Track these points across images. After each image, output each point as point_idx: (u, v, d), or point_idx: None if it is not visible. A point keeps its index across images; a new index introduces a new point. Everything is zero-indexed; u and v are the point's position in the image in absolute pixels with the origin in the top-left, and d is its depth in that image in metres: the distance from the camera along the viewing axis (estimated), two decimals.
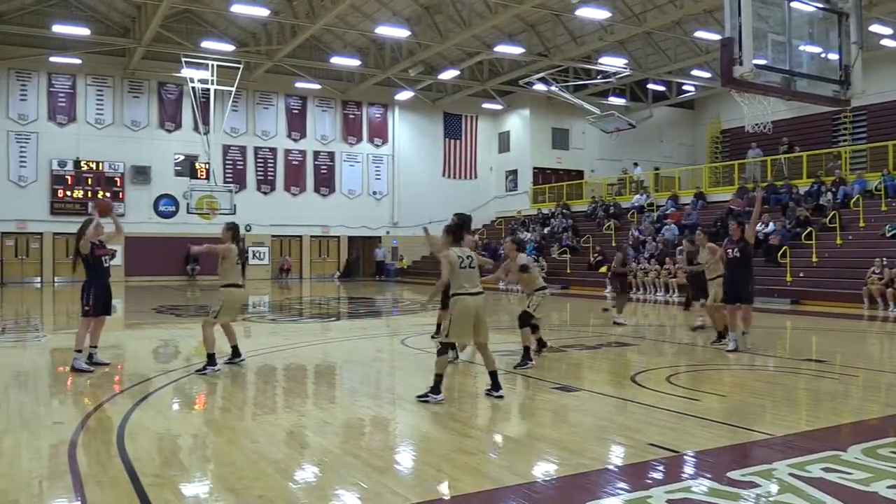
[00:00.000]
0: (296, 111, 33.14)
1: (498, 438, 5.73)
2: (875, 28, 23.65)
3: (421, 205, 33.35)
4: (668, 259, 22.25)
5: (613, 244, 26.18)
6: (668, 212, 26.65)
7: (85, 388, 7.52)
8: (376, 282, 32.85)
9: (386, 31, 25.86)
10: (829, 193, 22.21)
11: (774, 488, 4.18)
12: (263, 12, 24.40)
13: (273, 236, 32.87)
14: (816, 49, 8.67)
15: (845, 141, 28.30)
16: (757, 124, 9.30)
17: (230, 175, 31.41)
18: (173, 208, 30.50)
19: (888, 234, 18.85)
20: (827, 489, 4.12)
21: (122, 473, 4.57)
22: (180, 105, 30.68)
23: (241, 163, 32.02)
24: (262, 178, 32.40)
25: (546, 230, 30.87)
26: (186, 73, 28.81)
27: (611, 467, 4.78)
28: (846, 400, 7.08)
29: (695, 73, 30.64)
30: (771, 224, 21.31)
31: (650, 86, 33.25)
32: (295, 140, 33.13)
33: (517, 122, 36.31)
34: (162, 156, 30.38)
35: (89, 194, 28.14)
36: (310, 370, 9.07)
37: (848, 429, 5.80)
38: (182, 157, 30.56)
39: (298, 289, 27.49)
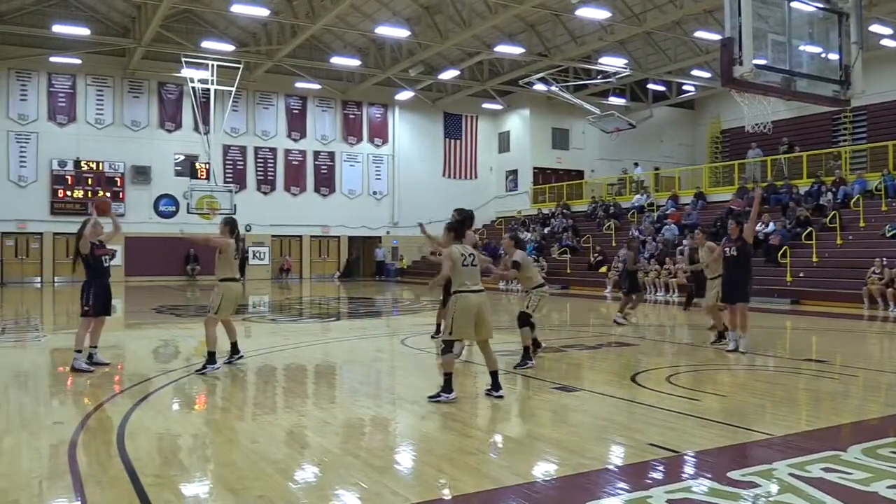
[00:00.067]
0: (296, 111, 33.14)
1: (498, 438, 5.73)
2: (875, 28, 23.65)
3: (421, 205, 33.32)
4: (668, 259, 22.25)
5: (613, 244, 26.19)
6: (668, 212, 26.66)
7: (85, 388, 7.52)
8: (376, 282, 32.85)
9: (386, 31, 25.86)
10: (829, 193, 22.21)
11: (774, 488, 4.18)
12: (263, 12, 24.40)
13: (273, 236, 32.87)
14: (816, 49, 8.67)
15: (845, 141, 28.30)
16: (757, 124, 9.30)
17: (230, 175, 31.41)
18: (173, 208, 30.50)
19: (888, 234, 18.85)
20: (827, 489, 4.12)
21: (122, 473, 4.57)
22: (180, 105, 30.68)
23: (242, 163, 32.03)
24: (262, 178, 32.40)
25: (546, 230, 30.87)
26: (186, 73, 28.82)
27: (611, 467, 4.78)
28: (846, 400, 7.08)
29: (695, 73, 30.64)
30: (771, 224, 21.32)
31: (650, 86, 33.25)
32: (295, 140, 33.14)
33: (517, 122, 36.31)
34: (162, 156, 30.38)
35: (89, 194, 28.10)
36: (310, 370, 9.07)
37: (848, 429, 5.80)
38: (182, 157, 30.55)
39: (298, 289, 27.49)
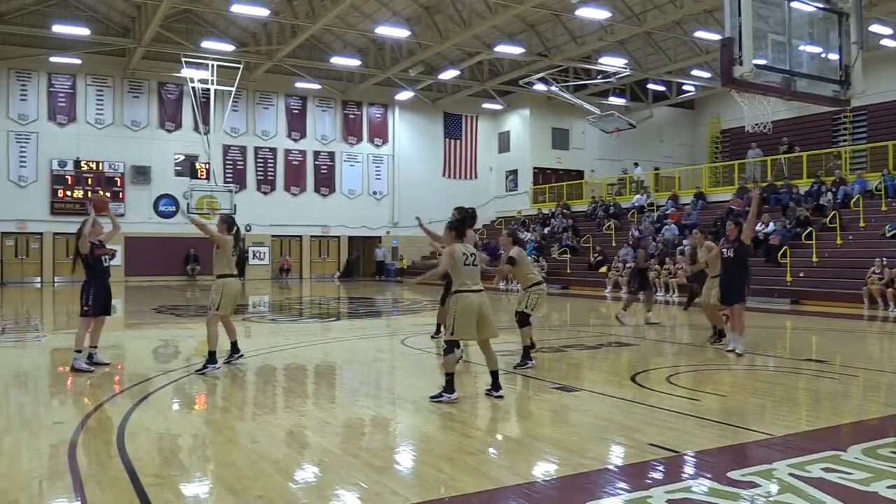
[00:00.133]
0: (296, 111, 33.15)
1: (498, 438, 5.73)
2: (875, 28, 23.65)
3: (421, 205, 33.16)
4: (668, 259, 22.25)
5: (613, 244, 26.21)
6: (668, 212, 26.67)
7: (85, 388, 7.52)
8: (376, 282, 32.86)
9: (386, 31, 25.86)
10: (829, 193, 22.21)
11: (774, 488, 4.18)
12: (263, 12, 24.40)
13: (273, 236, 32.87)
14: (816, 49, 8.67)
15: (845, 141, 28.31)
16: (757, 124, 9.30)
17: (230, 175, 31.41)
18: (173, 208, 30.50)
19: (888, 234, 18.85)
20: (827, 489, 4.12)
21: (122, 473, 4.57)
22: (180, 105, 30.69)
23: (242, 163, 32.03)
24: (262, 178, 32.41)
25: (546, 230, 30.87)
26: (186, 73, 28.83)
27: (611, 467, 4.78)
28: (846, 400, 7.08)
29: (695, 73, 30.65)
30: (771, 224, 21.32)
31: (650, 86, 33.26)
32: (295, 140, 33.14)
33: (517, 122, 36.31)
34: (162, 156, 30.38)
35: (89, 194, 28.09)
36: (310, 370, 9.07)
37: (848, 429, 5.80)
38: (182, 157, 30.55)
39: (298, 289, 27.49)
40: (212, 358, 8.16)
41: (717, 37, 20.95)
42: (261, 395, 7.47)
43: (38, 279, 28.74)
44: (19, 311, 17.56)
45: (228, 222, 8.61)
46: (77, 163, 28.80)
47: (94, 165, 29.05)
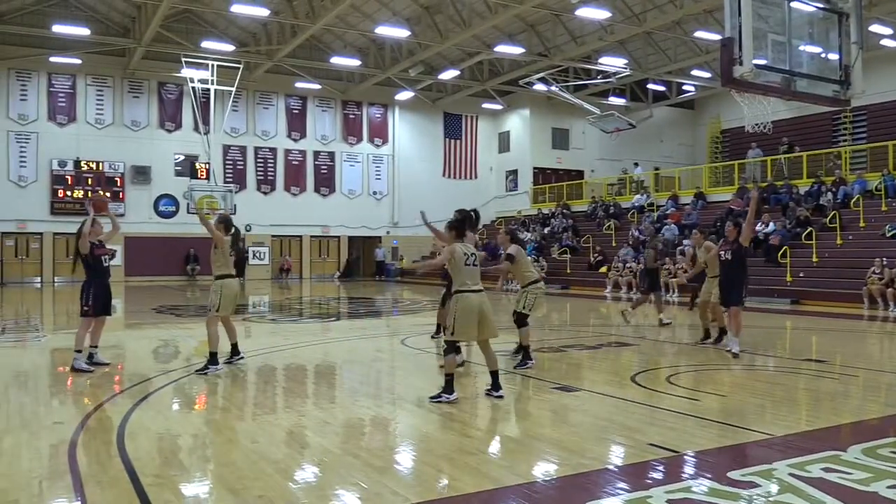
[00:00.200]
0: (296, 111, 33.15)
1: (498, 438, 5.73)
2: (875, 28, 23.65)
3: (421, 205, 32.59)
4: (668, 259, 22.23)
5: (613, 244, 26.21)
6: (668, 212, 26.66)
7: (85, 388, 7.52)
8: (376, 282, 32.86)
9: (386, 31, 25.86)
10: (829, 193, 22.21)
11: (774, 488, 4.18)
12: (263, 12, 24.40)
13: (273, 236, 32.87)
14: (816, 49, 8.67)
15: (845, 141, 28.31)
16: (757, 124, 9.30)
17: (230, 175, 31.41)
18: (173, 208, 30.51)
19: (888, 234, 18.85)
20: (827, 489, 4.12)
21: (122, 473, 4.57)
22: (180, 105, 30.68)
23: (242, 163, 32.03)
24: (262, 178, 32.41)
25: (546, 230, 30.86)
26: (186, 73, 28.84)
27: (611, 467, 4.78)
28: (846, 400, 7.07)
29: (695, 73, 30.64)
30: (771, 224, 21.32)
31: (650, 86, 33.25)
32: (295, 140, 33.14)
33: (517, 122, 36.31)
34: (162, 156, 30.38)
35: (89, 194, 28.09)
36: (310, 370, 9.07)
37: (848, 429, 5.80)
38: (182, 157, 30.55)
39: (298, 289, 27.49)
40: (213, 359, 8.16)
41: (717, 37, 20.96)
42: (261, 395, 7.47)
43: (38, 279, 28.74)
44: (19, 311, 17.56)
45: (226, 222, 8.61)
46: (77, 163, 28.80)
47: (94, 165, 29.05)
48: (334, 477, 4.57)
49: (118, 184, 29.41)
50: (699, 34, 25.54)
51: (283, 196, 32.83)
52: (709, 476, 4.43)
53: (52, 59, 27.71)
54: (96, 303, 8.44)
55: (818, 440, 5.28)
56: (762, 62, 7.82)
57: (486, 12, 24.24)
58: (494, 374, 6.85)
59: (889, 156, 21.97)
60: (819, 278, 18.72)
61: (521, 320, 8.60)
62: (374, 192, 34.91)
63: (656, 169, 32.73)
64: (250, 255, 31.71)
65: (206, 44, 27.54)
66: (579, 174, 35.99)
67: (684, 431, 5.55)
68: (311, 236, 33.89)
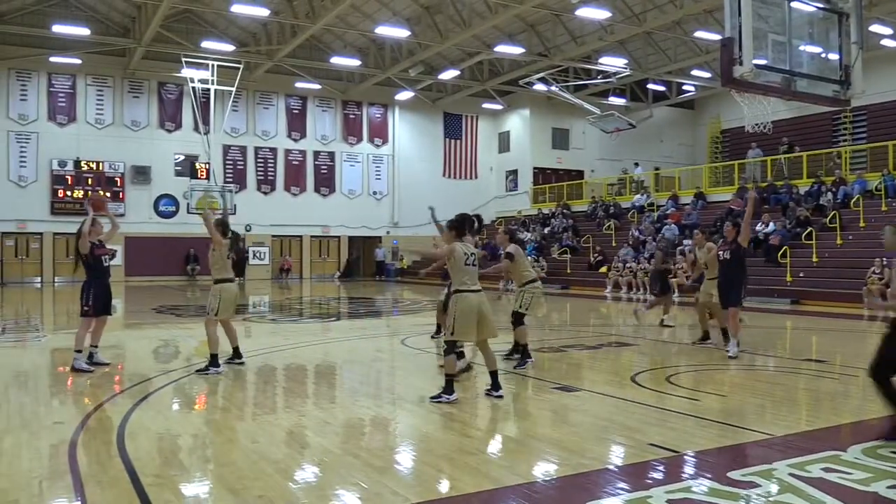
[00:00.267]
0: (296, 111, 33.14)
1: (498, 438, 5.73)
2: (875, 28, 23.64)
3: (421, 205, 32.79)
4: (668, 259, 22.23)
5: (613, 244, 26.20)
6: (668, 212, 26.66)
7: (85, 388, 7.52)
8: (376, 282, 32.85)
9: (386, 31, 25.86)
10: (829, 193, 22.21)
11: (774, 488, 4.19)
12: (263, 12, 24.40)
13: (273, 236, 32.87)
14: (816, 49, 8.65)
15: (845, 141, 28.30)
16: (757, 124, 9.29)
17: (230, 175, 31.41)
18: (173, 208, 30.50)
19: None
20: (827, 489, 4.12)
21: (122, 473, 4.57)
22: (180, 105, 30.68)
23: (242, 163, 32.03)
24: (262, 178, 32.40)
25: (546, 230, 30.86)
26: (186, 73, 28.84)
27: (611, 467, 4.78)
28: (846, 400, 7.07)
29: (695, 73, 30.64)
30: (771, 224, 21.32)
31: (650, 86, 33.25)
32: (295, 140, 33.14)
33: (517, 122, 36.31)
34: (162, 156, 30.38)
35: (89, 194, 28.11)
36: (310, 370, 9.07)
37: (848, 429, 5.80)
38: (182, 157, 30.55)
39: (298, 289, 27.49)
40: (214, 361, 8.14)
41: (717, 37, 20.95)
42: (261, 395, 7.47)
43: (39, 279, 28.74)
44: (19, 311, 17.56)
45: (223, 225, 8.60)
46: (77, 163, 28.80)
47: (94, 165, 29.04)
48: (334, 477, 4.57)
49: (118, 184, 29.41)
50: (699, 34, 25.53)
51: (284, 196, 32.83)
52: (709, 476, 4.44)
53: (53, 59, 27.71)
54: (96, 303, 8.44)
55: (818, 440, 5.28)
56: (762, 62, 7.82)
57: (486, 12, 24.24)
58: (494, 374, 6.85)
59: (889, 156, 21.97)
60: (819, 278, 18.71)
61: (518, 319, 8.61)
62: (374, 192, 34.91)
63: (656, 169, 32.73)
64: (250, 255, 31.72)
65: (206, 44, 27.54)
66: (579, 174, 35.99)
67: (684, 431, 5.55)
68: (312, 236, 33.89)
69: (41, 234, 28.58)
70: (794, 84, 8.23)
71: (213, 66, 29.02)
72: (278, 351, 10.21)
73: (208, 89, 29.77)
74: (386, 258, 34.76)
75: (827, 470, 4.48)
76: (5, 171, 27.86)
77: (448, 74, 30.54)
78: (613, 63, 28.55)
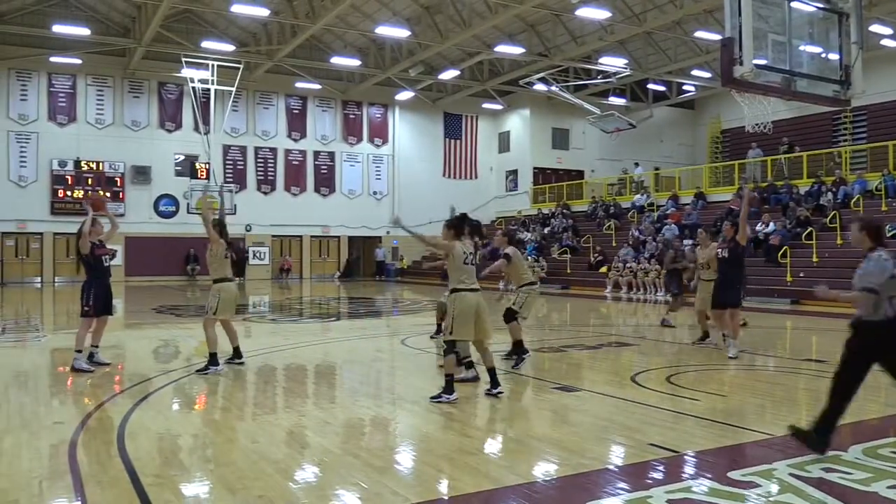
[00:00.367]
0: (296, 111, 33.14)
1: (498, 438, 5.73)
2: (875, 28, 23.64)
3: (421, 205, 33.26)
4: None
5: (614, 244, 26.20)
6: (668, 212, 26.66)
7: (85, 387, 7.52)
8: (376, 282, 32.85)
9: (386, 31, 25.86)
10: (829, 193, 22.21)
11: (775, 488, 4.19)
12: (263, 12, 24.40)
13: (273, 236, 32.87)
14: (817, 49, 8.66)
15: (845, 141, 28.30)
16: (757, 124, 9.29)
17: (230, 175, 31.41)
18: (173, 208, 30.51)
19: (888, 234, 18.85)
20: (827, 489, 4.12)
21: (122, 473, 4.57)
22: (180, 105, 30.68)
23: (242, 163, 32.02)
24: (262, 178, 32.40)
25: (546, 230, 30.86)
26: (187, 73, 28.84)
27: (611, 467, 4.78)
28: None
29: (695, 73, 30.64)
30: (771, 224, 21.32)
31: (650, 86, 33.25)
32: (295, 140, 33.14)
33: (517, 122, 36.31)
34: (162, 156, 30.38)
35: (89, 194, 28.11)
36: (310, 370, 9.07)
37: (848, 429, 5.78)
38: (182, 157, 30.55)
39: (298, 289, 27.49)
40: (213, 360, 8.15)
41: (717, 37, 20.95)
42: (261, 395, 7.47)
43: (39, 279, 28.73)
44: (19, 311, 17.56)
45: (220, 226, 8.61)
46: (77, 163, 28.80)
47: (94, 165, 29.04)
48: (334, 477, 4.57)
49: (118, 184, 29.41)
50: (699, 34, 25.53)
51: (284, 196, 32.83)
52: (709, 476, 4.43)
53: (53, 59, 27.71)
54: (97, 303, 8.44)
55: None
56: (762, 62, 7.82)
57: (486, 12, 24.24)
58: (492, 372, 6.87)
59: (889, 156, 21.97)
60: (819, 278, 18.52)
61: (509, 316, 8.62)
62: (375, 192, 34.91)
63: (656, 169, 32.72)
64: (250, 255, 31.73)
65: (206, 44, 27.54)
66: (579, 174, 35.99)
67: (684, 431, 5.55)
68: (312, 236, 33.89)
69: (41, 234, 28.58)
70: (794, 84, 8.24)
71: (213, 66, 29.02)
72: (278, 351, 10.21)
73: (208, 89, 29.76)
74: (386, 258, 34.76)
75: (827, 470, 4.48)
76: (5, 171, 27.86)
77: (448, 74, 30.55)
78: (613, 63, 28.55)
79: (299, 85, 32.01)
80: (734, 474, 4.41)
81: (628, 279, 23.00)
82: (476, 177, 37.00)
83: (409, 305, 19.83)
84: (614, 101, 33.75)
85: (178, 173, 30.30)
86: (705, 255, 10.86)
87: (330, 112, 33.87)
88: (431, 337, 10.94)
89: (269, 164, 32.60)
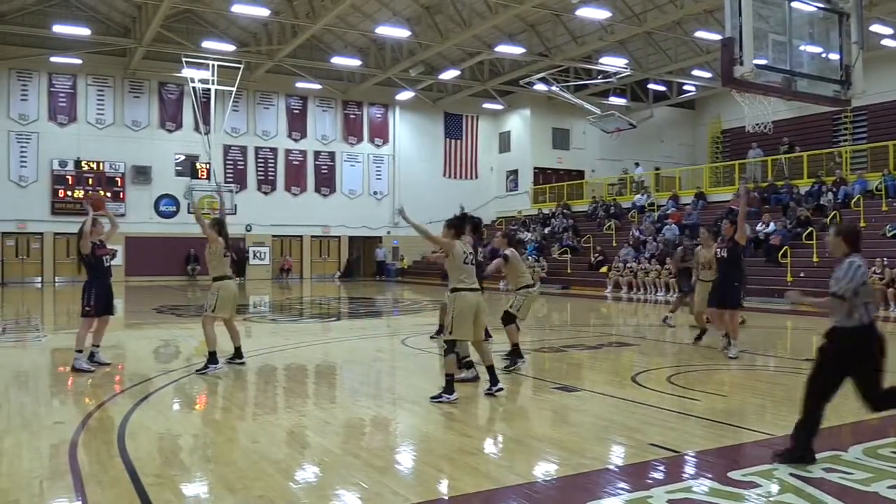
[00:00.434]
0: (296, 111, 33.14)
1: (498, 438, 5.73)
2: (875, 28, 23.63)
3: (421, 205, 32.92)
4: (668, 259, 22.23)
5: (614, 244, 26.20)
6: (668, 212, 26.66)
7: (85, 387, 7.53)
8: (377, 282, 32.85)
9: (386, 31, 25.86)
10: (829, 193, 22.21)
11: (775, 488, 4.19)
12: (264, 12, 24.40)
13: (273, 236, 32.87)
14: (817, 49, 8.66)
15: (846, 141, 28.29)
16: (757, 124, 9.29)
17: (231, 175, 31.41)
18: (174, 208, 30.52)
19: (889, 234, 18.84)
20: (827, 489, 4.12)
21: (122, 473, 4.57)
22: (181, 105, 30.68)
23: (242, 163, 32.02)
24: (262, 178, 32.40)
25: (546, 230, 30.86)
26: (187, 73, 28.84)
27: (611, 467, 4.78)
28: (846, 400, 7.00)
29: (695, 73, 30.62)
30: (771, 224, 21.32)
31: (650, 86, 33.23)
32: (295, 140, 33.13)
33: (518, 122, 36.30)
34: (162, 156, 30.38)
35: (89, 194, 28.09)
36: (310, 370, 9.07)
37: (848, 429, 5.79)
38: (183, 157, 30.56)
39: (299, 289, 27.50)
40: (213, 358, 8.16)
41: (717, 37, 20.95)
42: (261, 395, 7.47)
43: (39, 279, 28.73)
44: (20, 311, 17.56)
45: (219, 225, 8.61)
46: (77, 163, 28.80)
47: (94, 165, 29.04)
48: (335, 477, 4.57)
49: (119, 184, 29.41)
50: (699, 34, 25.53)
51: (284, 196, 32.83)
52: (709, 476, 4.44)
53: (53, 59, 27.71)
54: (98, 303, 8.45)
55: (818, 440, 5.27)
56: (763, 62, 7.82)
57: (487, 12, 24.24)
58: (491, 369, 6.87)
59: (889, 156, 21.96)
60: (819, 278, 18.63)
61: (506, 318, 8.60)
62: (375, 192, 34.90)
63: (657, 169, 32.71)
64: (251, 255, 31.73)
65: (206, 44, 27.54)
66: (580, 174, 35.98)
67: (684, 431, 5.55)
68: (312, 236, 33.89)
69: (41, 234, 28.58)
70: (794, 84, 8.23)
71: (213, 66, 29.03)
72: (279, 351, 10.21)
73: (209, 89, 29.77)
74: (386, 258, 34.76)
75: (827, 470, 4.48)
76: (6, 171, 27.86)
77: (448, 74, 30.54)
78: (614, 63, 28.55)
79: (300, 85, 32.01)
80: (734, 474, 4.42)
81: (629, 279, 23.00)
82: (476, 177, 37.00)
83: (410, 305, 19.83)
84: (614, 101, 33.75)
85: (179, 173, 30.30)
86: (706, 256, 10.85)
87: (330, 112, 33.87)
88: (431, 337, 10.94)
89: (270, 164, 32.60)
